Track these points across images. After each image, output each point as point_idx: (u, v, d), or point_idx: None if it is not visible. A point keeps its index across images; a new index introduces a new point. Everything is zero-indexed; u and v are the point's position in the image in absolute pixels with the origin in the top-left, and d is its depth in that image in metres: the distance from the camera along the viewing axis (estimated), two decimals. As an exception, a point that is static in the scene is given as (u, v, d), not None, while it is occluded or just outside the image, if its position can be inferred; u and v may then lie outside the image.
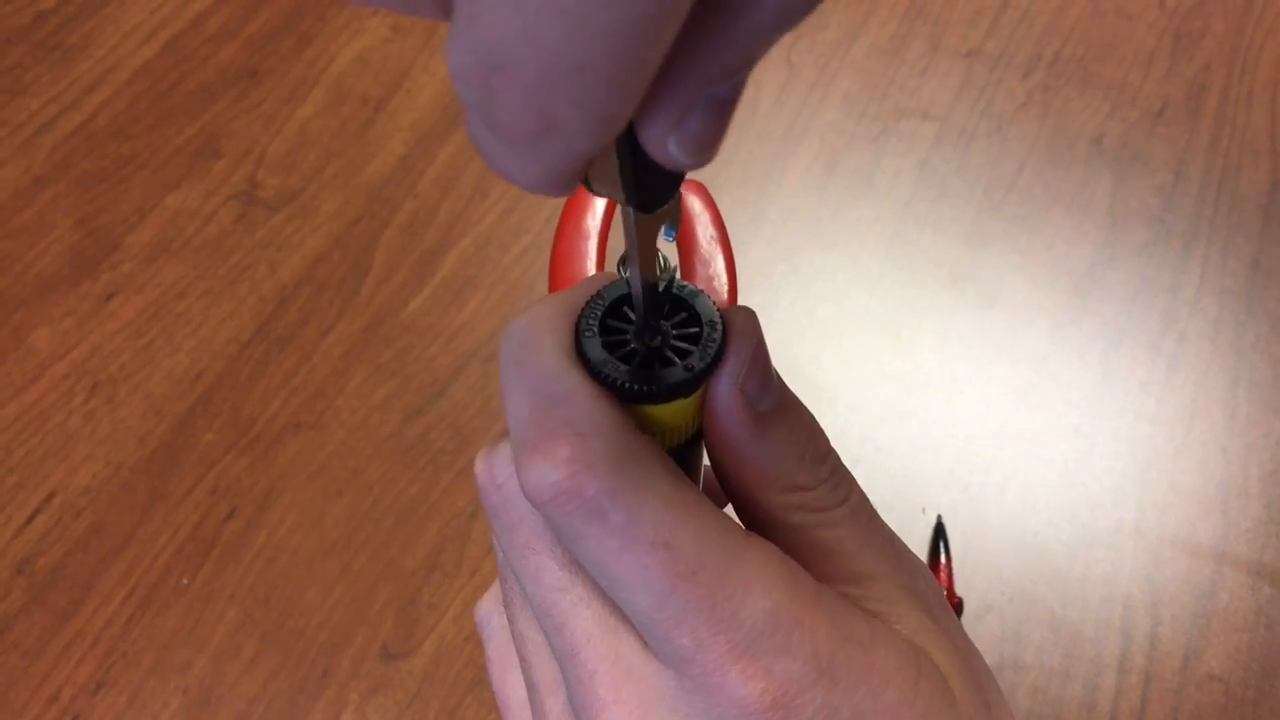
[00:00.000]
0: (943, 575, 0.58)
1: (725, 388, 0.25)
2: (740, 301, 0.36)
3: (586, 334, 0.25)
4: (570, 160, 0.17)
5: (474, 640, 0.57)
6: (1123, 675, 0.56)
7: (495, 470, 0.27)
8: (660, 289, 0.26)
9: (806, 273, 0.70)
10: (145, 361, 0.66)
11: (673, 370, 0.25)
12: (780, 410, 0.26)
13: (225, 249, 0.71)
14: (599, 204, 0.36)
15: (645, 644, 0.25)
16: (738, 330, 0.26)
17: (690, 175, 0.33)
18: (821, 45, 0.82)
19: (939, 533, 0.60)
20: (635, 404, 0.25)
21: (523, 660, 0.28)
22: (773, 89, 0.80)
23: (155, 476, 0.62)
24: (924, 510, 0.61)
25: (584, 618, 0.25)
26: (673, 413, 0.26)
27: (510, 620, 0.29)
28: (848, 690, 0.23)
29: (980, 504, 0.62)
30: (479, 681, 0.56)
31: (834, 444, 0.28)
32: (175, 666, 0.56)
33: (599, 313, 0.26)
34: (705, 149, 0.19)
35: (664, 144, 0.19)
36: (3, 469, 0.62)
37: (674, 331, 0.26)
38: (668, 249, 0.36)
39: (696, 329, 0.26)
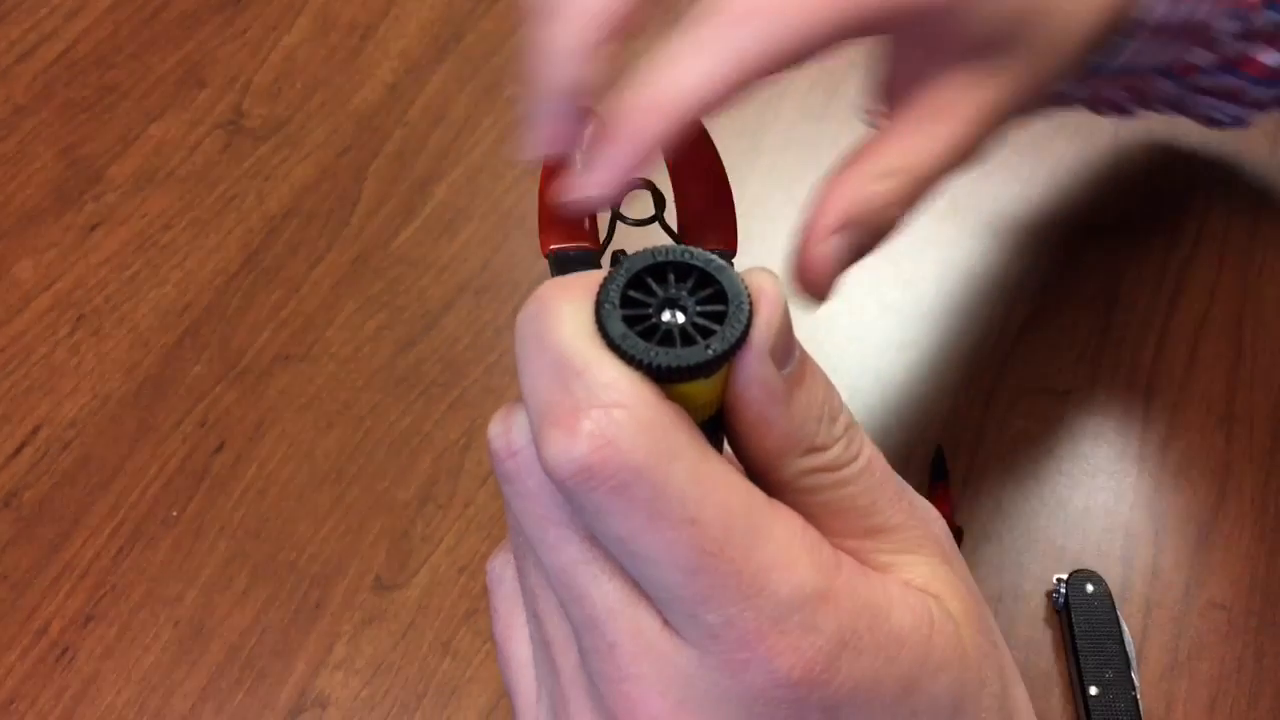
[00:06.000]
0: (943, 505, 0.57)
1: (756, 360, 0.24)
2: (738, 233, 0.35)
3: (607, 307, 0.24)
4: None
5: (468, 571, 0.56)
6: (1124, 604, 0.55)
7: (512, 436, 0.26)
8: (682, 261, 0.25)
9: (805, 204, 0.69)
10: (131, 293, 0.65)
11: (696, 348, 0.23)
12: (800, 372, 0.26)
13: (211, 179, 0.69)
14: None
15: (665, 620, 0.24)
16: (766, 298, 0.24)
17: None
18: (820, -30, 0.80)
19: (938, 462, 0.59)
20: (658, 381, 0.24)
21: (535, 616, 0.27)
22: (770, 15, 0.78)
23: (143, 409, 0.61)
24: (923, 439, 0.60)
25: (604, 590, 0.24)
26: (696, 390, 0.25)
27: (521, 576, 0.28)
28: (869, 660, 0.24)
29: (981, 434, 0.61)
30: (473, 612, 0.55)
31: (832, 375, 0.27)
32: (166, 599, 0.55)
33: (620, 285, 0.24)
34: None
35: None
36: (-13, 402, 0.61)
37: (698, 307, 0.24)
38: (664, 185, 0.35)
39: (722, 305, 0.24)
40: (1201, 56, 0.50)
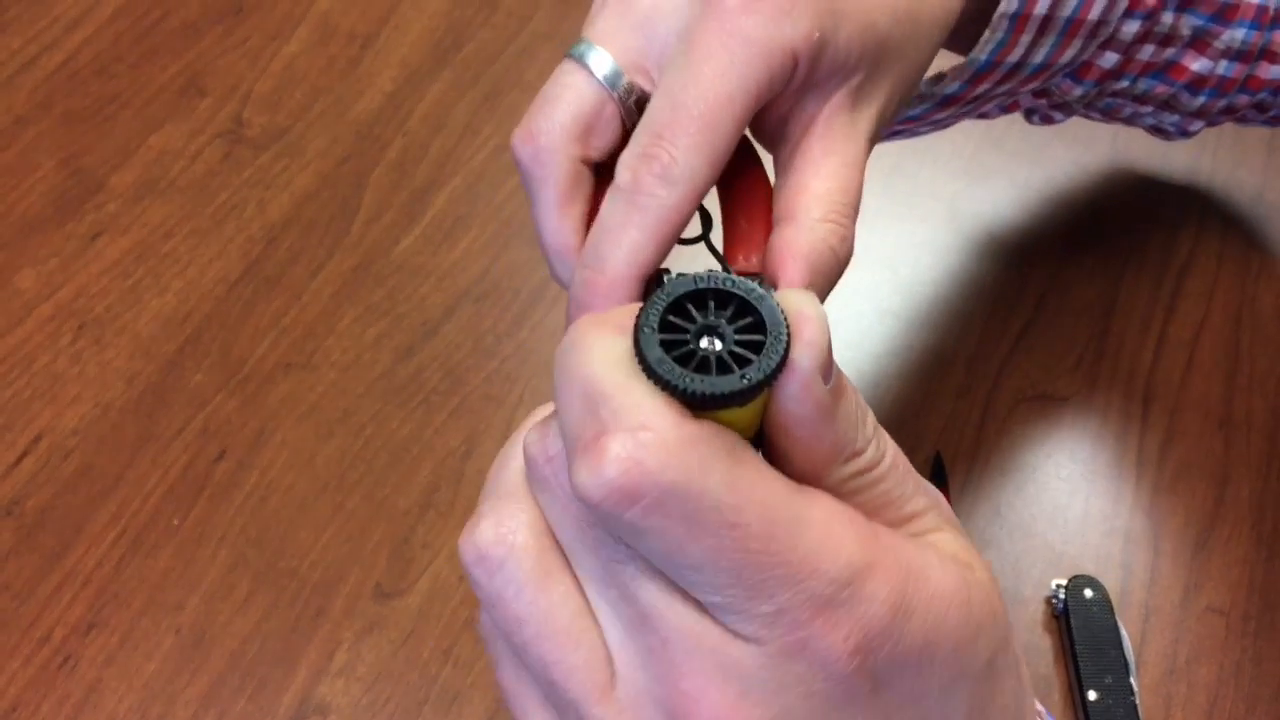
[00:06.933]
0: (941, 511, 0.58)
1: (810, 380, 0.25)
2: None
3: (645, 331, 0.24)
4: None
5: (469, 579, 0.56)
6: (1123, 609, 0.55)
7: (549, 441, 0.26)
8: (723, 289, 0.25)
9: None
10: (132, 302, 0.65)
11: (732, 377, 0.24)
12: (840, 385, 0.26)
13: (212, 188, 0.70)
14: None
15: (710, 616, 0.24)
16: (809, 321, 0.25)
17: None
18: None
19: (937, 468, 0.59)
20: (692, 408, 0.24)
21: (538, 658, 0.27)
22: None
23: (144, 417, 0.61)
24: (922, 445, 0.60)
25: (648, 590, 0.25)
26: (731, 417, 0.25)
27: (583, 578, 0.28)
28: (919, 622, 0.25)
29: (979, 439, 0.61)
30: (474, 620, 0.55)
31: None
32: (167, 607, 0.55)
33: (660, 310, 0.25)
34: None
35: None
36: (-11, 411, 0.61)
37: (737, 335, 0.25)
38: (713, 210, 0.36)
39: (761, 334, 0.24)
40: (1110, 59, 0.51)
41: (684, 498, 0.23)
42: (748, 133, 0.36)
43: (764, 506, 0.24)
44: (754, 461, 0.24)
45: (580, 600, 0.27)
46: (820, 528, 0.24)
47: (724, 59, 0.32)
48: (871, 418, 0.27)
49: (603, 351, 0.24)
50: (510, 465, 0.29)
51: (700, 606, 0.25)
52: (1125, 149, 0.73)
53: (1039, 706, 0.32)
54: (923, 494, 0.28)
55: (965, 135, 0.73)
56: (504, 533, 0.27)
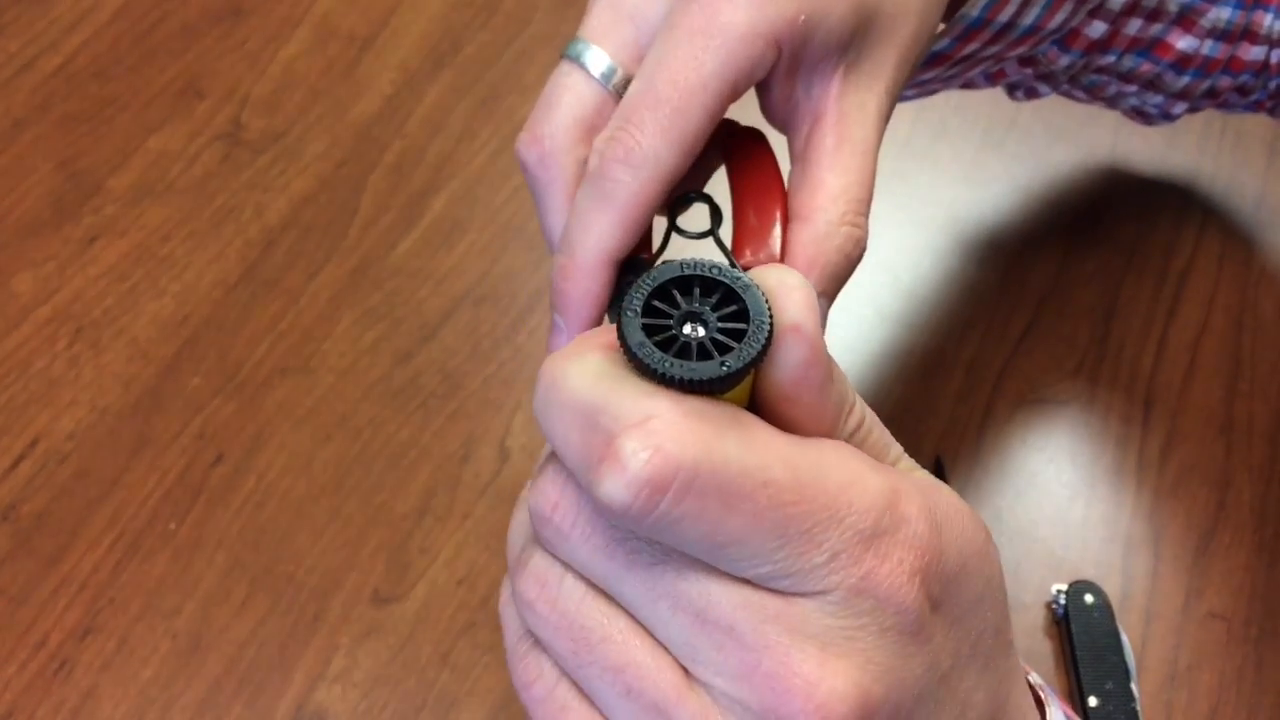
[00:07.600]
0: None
1: (816, 343, 0.25)
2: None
3: (628, 314, 0.24)
4: None
5: (466, 584, 0.56)
6: (1124, 614, 0.55)
7: (547, 493, 0.26)
8: (709, 276, 0.25)
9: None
10: (129, 306, 0.65)
11: (711, 364, 0.24)
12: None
13: (209, 191, 0.70)
14: None
15: (758, 587, 0.25)
16: (793, 290, 0.25)
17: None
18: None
19: (938, 472, 0.59)
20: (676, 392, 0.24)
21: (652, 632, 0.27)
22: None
23: (141, 421, 0.61)
24: (922, 449, 0.60)
25: (696, 581, 0.25)
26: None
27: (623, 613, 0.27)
28: (948, 536, 0.26)
29: (979, 444, 0.61)
30: (471, 624, 0.55)
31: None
32: (164, 611, 0.55)
33: (644, 295, 0.25)
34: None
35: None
36: (-14, 415, 0.61)
37: (720, 323, 0.25)
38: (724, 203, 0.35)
39: (743, 323, 0.24)
40: (1098, 29, 0.51)
41: (711, 470, 0.23)
42: (761, 124, 0.36)
43: (785, 458, 0.24)
44: (758, 422, 0.25)
45: (632, 619, 0.26)
46: (839, 466, 0.25)
47: (699, 44, 0.32)
48: (847, 380, 0.28)
49: (580, 372, 0.25)
50: (526, 518, 0.29)
51: (749, 586, 0.24)
52: (1126, 152, 0.72)
53: (1037, 680, 0.32)
54: (894, 441, 0.29)
55: (965, 139, 0.73)
56: (556, 558, 0.27)
